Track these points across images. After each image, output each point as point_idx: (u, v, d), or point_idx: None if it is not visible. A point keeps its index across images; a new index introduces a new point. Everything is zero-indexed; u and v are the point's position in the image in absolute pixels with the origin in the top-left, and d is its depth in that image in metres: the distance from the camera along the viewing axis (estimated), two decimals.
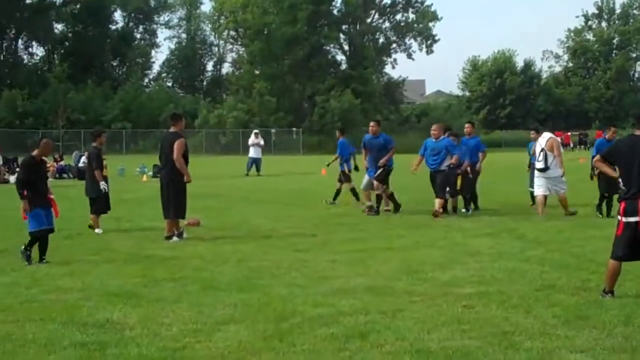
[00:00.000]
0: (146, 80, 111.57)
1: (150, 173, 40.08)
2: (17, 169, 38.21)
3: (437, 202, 19.78)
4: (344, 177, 24.37)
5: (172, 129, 16.90)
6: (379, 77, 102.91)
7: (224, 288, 10.97)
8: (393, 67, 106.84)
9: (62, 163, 42.46)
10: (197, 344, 8.17)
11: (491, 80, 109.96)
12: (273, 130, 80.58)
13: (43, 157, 14.40)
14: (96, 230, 17.60)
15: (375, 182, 20.80)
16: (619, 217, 10.02)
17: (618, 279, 10.14)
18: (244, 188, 24.67)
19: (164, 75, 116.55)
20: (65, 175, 40.40)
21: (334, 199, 24.12)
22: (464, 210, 21.15)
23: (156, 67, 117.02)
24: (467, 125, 22.06)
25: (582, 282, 11.12)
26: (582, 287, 10.75)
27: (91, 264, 13.20)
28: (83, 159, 40.94)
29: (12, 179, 36.15)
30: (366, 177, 21.24)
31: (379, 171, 20.69)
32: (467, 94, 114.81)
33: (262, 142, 37.20)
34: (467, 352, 7.73)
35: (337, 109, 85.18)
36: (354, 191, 24.05)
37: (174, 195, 16.27)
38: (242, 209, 20.51)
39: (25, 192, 13.22)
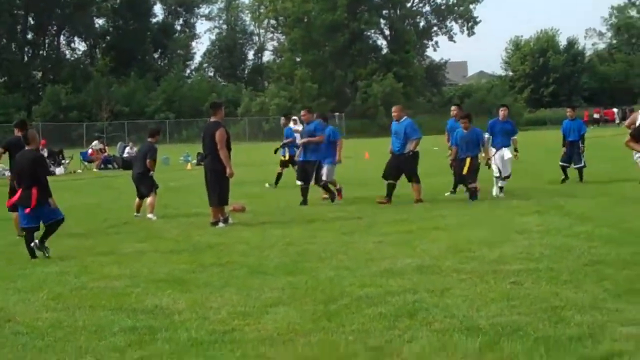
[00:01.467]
0: (188, 70, 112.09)
1: (194, 161, 40.32)
2: (62, 161, 38.73)
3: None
4: (283, 163, 25.51)
5: (212, 119, 17.00)
6: (420, 60, 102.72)
7: (271, 272, 10.97)
8: (434, 50, 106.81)
9: (107, 154, 42.89)
10: (246, 326, 8.16)
11: (534, 59, 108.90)
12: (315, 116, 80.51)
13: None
14: (149, 216, 17.93)
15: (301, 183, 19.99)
16: None
17: None
18: (287, 173, 24.62)
19: (205, 65, 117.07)
20: (110, 166, 40.89)
21: (276, 183, 25.18)
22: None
23: (197, 58, 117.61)
24: (502, 108, 21.79)
25: (631, 255, 10.98)
26: (632, 261, 10.62)
27: (139, 252, 13.27)
28: (127, 149, 41.37)
29: (58, 170, 36.57)
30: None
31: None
32: (510, 73, 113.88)
33: (300, 128, 37.07)
34: (517, 328, 7.65)
35: (379, 93, 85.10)
36: (279, 176, 25.07)
37: (217, 183, 16.33)
38: (286, 194, 20.50)
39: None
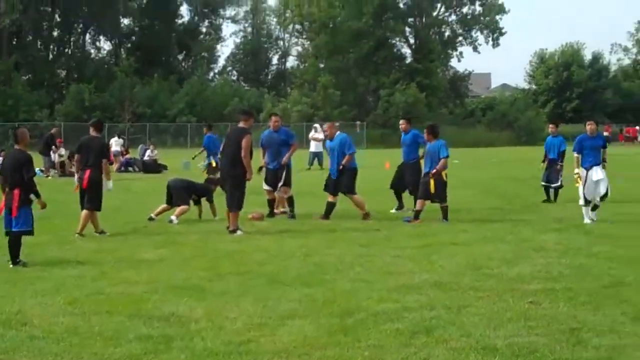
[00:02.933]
0: (211, 74, 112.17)
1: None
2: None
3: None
4: (211, 170, 25.69)
5: (241, 124, 17.05)
6: (444, 71, 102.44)
7: (288, 283, 10.98)
8: (459, 61, 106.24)
9: (128, 156, 42.82)
10: (261, 338, 8.18)
11: (558, 73, 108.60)
12: (337, 124, 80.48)
13: None
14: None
15: (282, 187, 19.33)
16: None
17: None
18: (307, 182, 24.65)
19: (229, 69, 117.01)
20: (130, 169, 40.65)
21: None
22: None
23: (221, 61, 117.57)
24: (589, 122, 20.12)
25: None
26: None
27: (157, 257, 13.32)
28: (148, 152, 41.36)
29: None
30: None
31: (284, 174, 19.25)
32: (534, 87, 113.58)
33: (321, 136, 37.06)
34: (534, 349, 7.64)
35: (401, 103, 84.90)
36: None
37: (236, 188, 16.42)
38: (306, 203, 20.46)
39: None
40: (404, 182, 20.34)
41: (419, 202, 18.24)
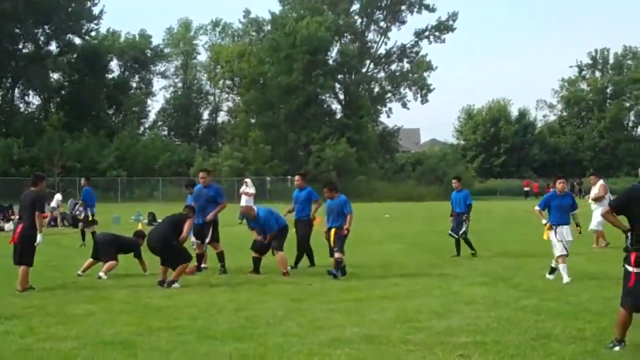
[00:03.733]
0: (142, 128, 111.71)
1: (146, 221, 40.08)
2: (12, 217, 38.28)
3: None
4: (86, 223, 27.66)
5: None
6: (374, 126, 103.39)
7: (219, 337, 10.93)
8: (388, 116, 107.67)
9: (60, 210, 42.35)
10: None
11: (486, 129, 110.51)
12: (268, 179, 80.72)
13: None
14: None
15: (197, 242, 19.48)
16: (630, 268, 9.94)
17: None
18: (238, 237, 24.63)
19: (159, 123, 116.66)
20: (66, 222, 40.33)
21: (83, 239, 27.16)
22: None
23: (152, 116, 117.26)
24: (559, 181, 19.80)
25: (577, 331, 11.11)
26: (578, 336, 10.75)
27: (86, 313, 13.14)
28: (77, 206, 40.88)
29: (7, 226, 36.16)
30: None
31: (211, 230, 19.37)
32: (462, 142, 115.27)
33: (251, 191, 37.00)
34: None
35: (332, 158, 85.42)
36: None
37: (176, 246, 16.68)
38: (235, 257, 20.41)
39: None
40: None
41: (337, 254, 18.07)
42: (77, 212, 39.35)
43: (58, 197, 42.34)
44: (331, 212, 18.37)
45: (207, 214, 19.22)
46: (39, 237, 16.08)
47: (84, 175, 33.04)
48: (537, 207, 18.01)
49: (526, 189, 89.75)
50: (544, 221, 17.44)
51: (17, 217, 37.61)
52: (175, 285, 16.36)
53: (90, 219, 27.70)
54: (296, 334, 11.16)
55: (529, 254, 22.80)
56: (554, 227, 17.16)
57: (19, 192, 62.00)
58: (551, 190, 24.18)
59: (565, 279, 16.69)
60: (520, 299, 14.32)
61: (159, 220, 39.76)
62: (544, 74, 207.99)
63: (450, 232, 23.08)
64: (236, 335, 11.03)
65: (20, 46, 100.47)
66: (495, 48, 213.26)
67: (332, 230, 18.15)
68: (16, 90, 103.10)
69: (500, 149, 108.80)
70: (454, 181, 23.77)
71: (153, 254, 17.08)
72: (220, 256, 19.31)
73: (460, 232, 22.62)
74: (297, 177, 21.37)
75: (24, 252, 15.92)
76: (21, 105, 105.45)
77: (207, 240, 19.24)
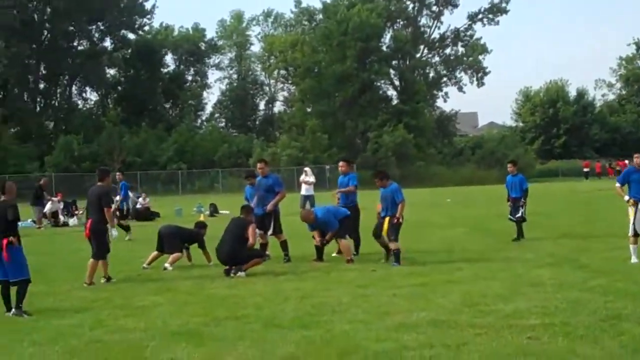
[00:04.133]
0: (199, 121, 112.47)
1: (207, 212, 40.30)
2: (76, 212, 38.73)
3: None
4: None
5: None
6: (431, 111, 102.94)
7: (286, 325, 10.95)
8: (445, 101, 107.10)
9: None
10: None
11: (544, 110, 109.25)
12: (327, 167, 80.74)
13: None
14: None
15: (260, 232, 18.97)
16: None
17: None
18: (301, 225, 24.54)
19: (216, 115, 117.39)
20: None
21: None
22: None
23: (209, 108, 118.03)
24: (636, 155, 19.43)
25: None
26: None
27: (153, 304, 13.26)
28: (140, 200, 41.32)
29: (72, 221, 36.57)
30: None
31: (272, 221, 19.36)
32: (521, 124, 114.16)
33: (311, 179, 36.96)
34: None
35: (390, 144, 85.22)
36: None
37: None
38: (299, 245, 20.37)
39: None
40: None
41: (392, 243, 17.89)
42: (139, 205, 39.80)
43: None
44: (384, 200, 18.25)
45: (266, 204, 19.27)
46: (114, 232, 16.27)
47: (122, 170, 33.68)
48: (617, 184, 17.73)
49: (586, 169, 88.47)
50: (626, 198, 17.15)
51: (81, 212, 38.32)
52: (241, 273, 16.45)
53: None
54: (362, 320, 11.13)
55: (594, 234, 22.56)
56: (637, 201, 16.82)
57: (80, 187, 62.74)
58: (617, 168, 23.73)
59: (634, 259, 16.48)
60: (588, 280, 14.15)
61: (221, 212, 40.21)
62: (601, 53, 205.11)
63: (509, 216, 22.85)
64: (303, 323, 11.04)
65: (75, 44, 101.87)
66: (550, 28, 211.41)
67: (386, 220, 17.93)
68: (74, 88, 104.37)
69: (560, 129, 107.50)
70: (509, 165, 23.32)
71: (225, 265, 17.10)
72: (284, 245, 19.34)
73: (517, 215, 22.36)
74: (341, 163, 21.03)
75: (97, 246, 16.13)
76: (79, 102, 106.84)
77: (270, 232, 19.26)
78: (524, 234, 22.07)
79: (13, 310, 12.56)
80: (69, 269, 18.43)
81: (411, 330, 10.23)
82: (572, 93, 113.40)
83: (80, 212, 40.02)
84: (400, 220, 17.82)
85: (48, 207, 36.71)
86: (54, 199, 38.03)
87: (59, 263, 19.90)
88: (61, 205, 38.20)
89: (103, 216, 16.18)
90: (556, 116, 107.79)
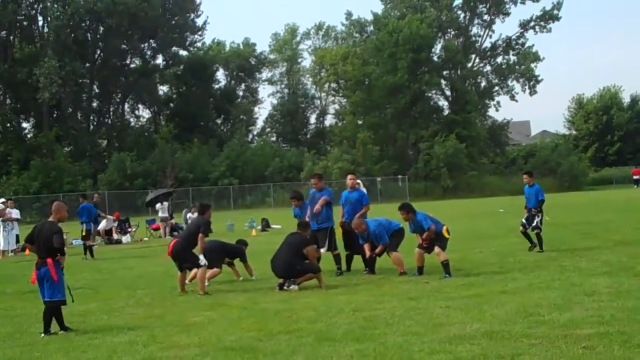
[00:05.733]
0: (250, 136, 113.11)
1: (259, 227, 40.42)
2: (129, 229, 39.07)
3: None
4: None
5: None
6: (482, 121, 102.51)
7: (339, 339, 10.92)
8: (497, 110, 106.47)
9: (173, 221, 42.99)
10: None
11: (598, 117, 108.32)
12: (379, 179, 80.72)
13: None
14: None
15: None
16: None
17: None
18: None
19: (267, 130, 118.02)
20: (175, 234, 40.69)
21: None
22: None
23: (260, 123, 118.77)
24: (524, 175, 20.01)
25: None
26: None
27: (206, 320, 13.31)
28: (189, 214, 41.46)
29: (125, 239, 36.87)
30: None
31: (328, 238, 19.44)
32: (574, 132, 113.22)
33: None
34: None
35: (442, 155, 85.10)
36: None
37: None
38: (359, 258, 20.33)
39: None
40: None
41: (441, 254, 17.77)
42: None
43: (159, 207, 42.79)
44: (415, 231, 18.18)
45: (320, 218, 19.29)
46: (201, 258, 16.69)
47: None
48: None
49: (636, 177, 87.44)
50: None
51: (134, 229, 38.64)
52: (294, 287, 16.48)
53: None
54: (416, 332, 11.07)
55: None
56: None
57: (133, 205, 63.52)
58: None
59: None
60: None
61: (273, 226, 40.34)
62: None
63: (521, 227, 22.62)
64: (356, 336, 11.01)
65: (127, 61, 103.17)
66: (602, 34, 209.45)
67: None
68: (126, 105, 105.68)
69: (614, 136, 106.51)
70: (525, 176, 23.08)
71: (280, 278, 17.14)
72: (337, 258, 19.33)
73: (532, 224, 22.14)
74: (350, 176, 20.66)
75: (192, 263, 17.14)
76: (132, 119, 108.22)
77: (324, 250, 19.21)
78: (542, 245, 21.79)
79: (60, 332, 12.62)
80: (122, 286, 18.58)
81: (465, 342, 10.15)
82: (626, 99, 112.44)
83: (134, 229, 40.38)
84: (426, 243, 17.83)
85: (102, 225, 37.06)
86: (109, 217, 38.44)
87: (110, 281, 20.08)
88: (115, 223, 38.57)
89: (195, 240, 17.22)
90: (610, 123, 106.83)
